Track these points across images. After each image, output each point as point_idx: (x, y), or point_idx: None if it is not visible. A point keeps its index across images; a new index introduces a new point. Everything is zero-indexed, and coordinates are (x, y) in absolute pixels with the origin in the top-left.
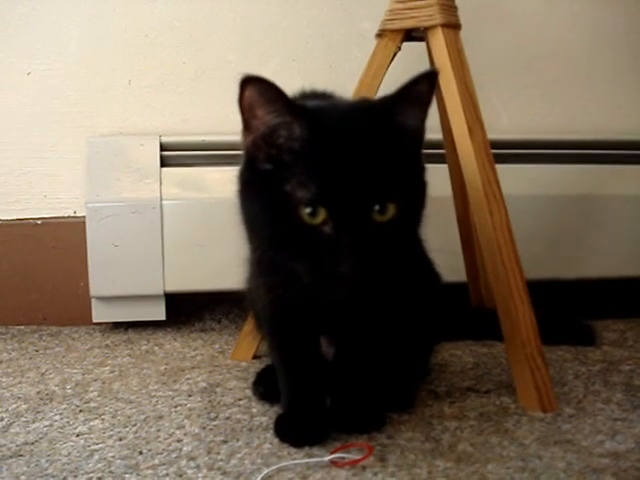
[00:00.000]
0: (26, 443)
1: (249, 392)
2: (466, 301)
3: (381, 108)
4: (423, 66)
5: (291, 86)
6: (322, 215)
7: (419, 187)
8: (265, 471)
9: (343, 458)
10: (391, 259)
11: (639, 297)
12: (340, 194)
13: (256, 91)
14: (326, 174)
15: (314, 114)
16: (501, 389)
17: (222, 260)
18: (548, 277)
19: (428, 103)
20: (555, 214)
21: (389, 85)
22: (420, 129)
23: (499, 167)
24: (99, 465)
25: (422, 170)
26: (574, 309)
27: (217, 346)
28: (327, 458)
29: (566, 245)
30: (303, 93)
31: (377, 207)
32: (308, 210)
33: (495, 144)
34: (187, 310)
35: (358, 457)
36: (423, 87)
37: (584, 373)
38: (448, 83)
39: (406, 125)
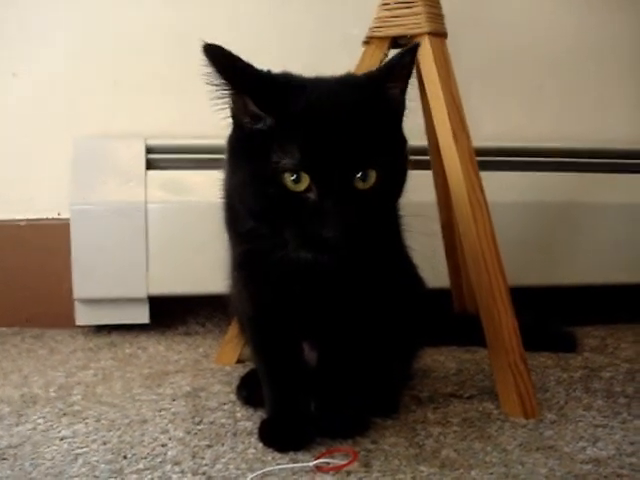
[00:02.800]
0: (9, 446)
1: (233, 396)
2: (449, 307)
3: (366, 80)
4: None
5: None
6: (305, 182)
7: (400, 157)
8: (250, 476)
9: (328, 463)
10: (373, 227)
11: (619, 304)
12: (323, 161)
13: (215, 60)
14: (309, 141)
15: (288, 85)
16: (484, 395)
17: (206, 264)
18: (529, 284)
19: (409, 75)
20: (537, 221)
21: None
22: (402, 100)
23: (483, 174)
24: (83, 469)
25: (404, 142)
26: (555, 316)
27: (201, 350)
28: (312, 463)
29: (548, 252)
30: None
31: (359, 174)
32: (292, 177)
33: (479, 151)
34: (171, 314)
35: (343, 462)
36: (406, 60)
37: (565, 379)
38: (434, 90)
39: (388, 96)
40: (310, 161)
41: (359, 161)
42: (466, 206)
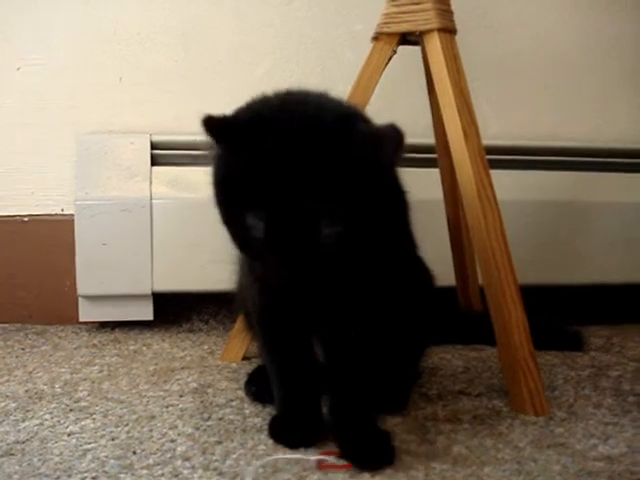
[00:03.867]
0: (17, 442)
1: (241, 393)
2: (454, 305)
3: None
4: (418, 69)
5: (284, 85)
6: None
7: (380, 210)
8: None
9: (325, 460)
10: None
11: (623, 304)
12: (277, 208)
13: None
14: (266, 196)
15: (255, 132)
16: (492, 392)
17: (211, 261)
18: (533, 282)
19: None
20: (542, 220)
21: (384, 88)
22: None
23: None
24: (93, 465)
25: (394, 193)
26: (559, 315)
27: (206, 347)
28: (313, 458)
29: (553, 251)
30: (289, 92)
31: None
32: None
33: (485, 150)
34: (174, 311)
35: (342, 464)
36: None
37: (573, 378)
38: (444, 87)
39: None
40: (267, 213)
41: (312, 216)
42: (476, 203)
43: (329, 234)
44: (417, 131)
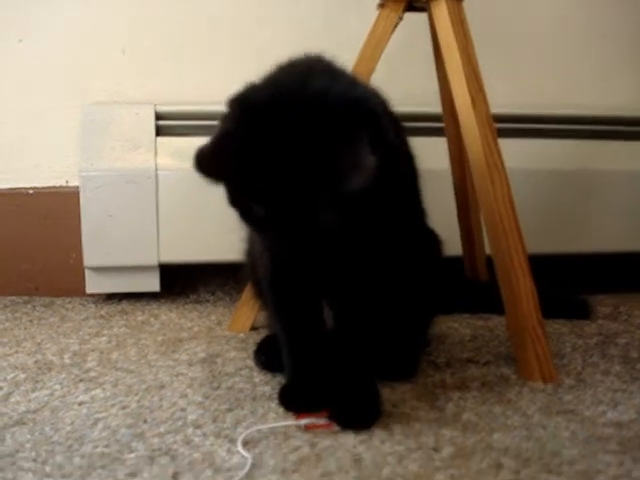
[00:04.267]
0: (28, 412)
1: (249, 362)
2: (461, 275)
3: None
4: (424, 37)
5: (287, 54)
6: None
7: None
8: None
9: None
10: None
11: (630, 272)
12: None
13: None
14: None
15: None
16: (500, 360)
17: (217, 231)
18: (541, 252)
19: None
20: (548, 189)
21: (390, 56)
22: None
23: None
24: (104, 434)
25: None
26: (567, 283)
27: (213, 318)
28: (302, 422)
29: (559, 220)
30: (291, 62)
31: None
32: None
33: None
34: (181, 282)
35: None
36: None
37: (581, 346)
38: (451, 54)
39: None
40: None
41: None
42: (483, 170)
43: (328, 217)
44: (424, 100)
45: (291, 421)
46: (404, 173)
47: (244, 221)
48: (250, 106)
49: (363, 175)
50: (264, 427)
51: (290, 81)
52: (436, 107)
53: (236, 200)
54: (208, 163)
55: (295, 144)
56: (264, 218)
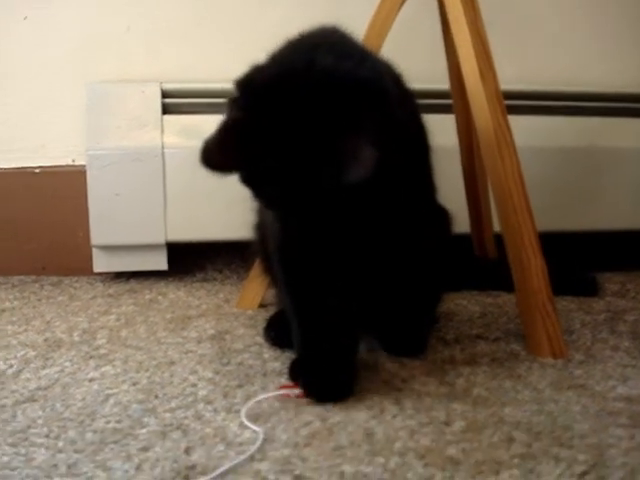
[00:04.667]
0: (39, 388)
1: (259, 339)
2: (469, 252)
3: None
4: (432, 12)
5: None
6: None
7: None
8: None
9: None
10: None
11: (638, 250)
12: None
13: None
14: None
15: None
16: (509, 337)
17: (224, 209)
18: (549, 229)
19: None
20: (558, 166)
21: (398, 32)
22: None
23: None
24: (115, 409)
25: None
26: (575, 261)
27: (221, 295)
28: (281, 392)
29: (567, 197)
30: (302, 36)
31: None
32: None
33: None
34: (188, 260)
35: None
36: None
37: (590, 322)
38: (459, 27)
39: None
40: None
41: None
42: (493, 145)
43: (336, 199)
44: (432, 76)
45: (276, 391)
46: (415, 152)
47: (256, 199)
48: (255, 89)
49: (363, 167)
50: (264, 397)
51: (297, 60)
52: (443, 84)
53: (247, 181)
54: (214, 157)
55: (300, 129)
56: (275, 197)
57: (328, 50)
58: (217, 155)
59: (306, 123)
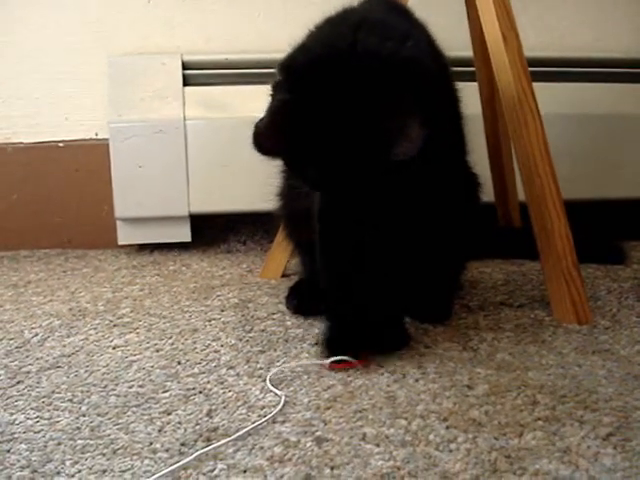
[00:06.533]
0: (63, 355)
1: (281, 307)
2: (494, 220)
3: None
4: None
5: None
6: None
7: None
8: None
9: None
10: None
11: None
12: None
13: None
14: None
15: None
16: (534, 303)
17: (247, 181)
18: (574, 197)
19: None
20: (582, 133)
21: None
22: None
23: None
24: (139, 375)
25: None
26: (602, 229)
27: (244, 266)
28: (327, 361)
29: (593, 166)
30: (346, 11)
31: None
32: None
33: None
34: (211, 232)
35: (355, 361)
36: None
37: (616, 289)
38: None
39: None
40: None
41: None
42: (516, 110)
43: (380, 179)
44: (454, 44)
45: (320, 360)
46: (452, 121)
47: (299, 181)
48: (300, 72)
49: (412, 145)
50: (293, 364)
51: (340, 39)
52: (466, 51)
53: (291, 165)
54: (265, 141)
55: (347, 111)
56: (322, 178)
57: (370, 29)
58: (268, 139)
59: (353, 105)
